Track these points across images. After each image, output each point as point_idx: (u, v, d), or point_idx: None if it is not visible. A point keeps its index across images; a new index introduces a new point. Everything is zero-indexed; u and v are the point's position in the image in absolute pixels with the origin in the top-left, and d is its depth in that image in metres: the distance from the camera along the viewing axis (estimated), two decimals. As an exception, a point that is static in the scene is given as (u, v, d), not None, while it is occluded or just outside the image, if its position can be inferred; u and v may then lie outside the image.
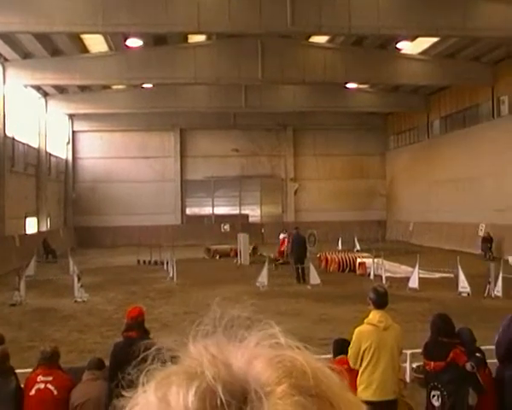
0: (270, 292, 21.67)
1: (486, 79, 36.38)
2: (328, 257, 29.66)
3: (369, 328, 7.10)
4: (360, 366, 7.08)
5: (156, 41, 33.55)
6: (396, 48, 34.24)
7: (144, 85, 40.16)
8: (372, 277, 24.71)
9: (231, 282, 24.53)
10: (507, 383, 7.10)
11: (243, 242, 33.07)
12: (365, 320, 7.24)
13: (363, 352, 7.01)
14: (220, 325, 0.90)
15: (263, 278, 22.72)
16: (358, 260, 27.77)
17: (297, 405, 0.77)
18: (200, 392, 0.77)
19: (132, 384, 0.86)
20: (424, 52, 34.71)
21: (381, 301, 7.16)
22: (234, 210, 52.60)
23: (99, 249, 42.40)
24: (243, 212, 52.51)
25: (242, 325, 0.90)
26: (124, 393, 0.86)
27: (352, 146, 52.60)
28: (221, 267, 30.83)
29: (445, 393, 6.94)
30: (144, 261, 33.16)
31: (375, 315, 7.11)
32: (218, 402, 0.76)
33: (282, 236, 34.28)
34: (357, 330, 7.20)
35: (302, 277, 24.72)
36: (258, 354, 0.83)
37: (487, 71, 36.25)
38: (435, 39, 32.02)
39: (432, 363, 7.19)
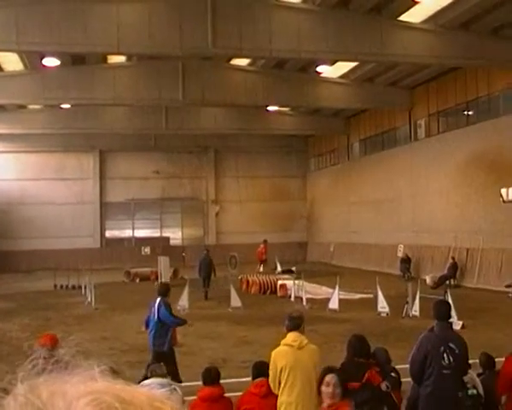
0: (190, 315, 21.21)
1: (404, 103, 37.35)
2: (250, 279, 29.57)
3: (284, 348, 7.26)
4: (279, 388, 7.12)
5: (74, 61, 32.82)
6: (316, 71, 34.67)
7: (62, 106, 39.29)
8: (293, 298, 24.74)
9: (151, 306, 24.04)
10: (421, 402, 7.15)
11: (164, 264, 32.62)
12: (281, 342, 7.40)
13: (280, 372, 7.10)
14: (47, 364, 0.91)
15: (183, 301, 22.43)
16: (279, 282, 27.79)
17: None
18: None
19: None
20: (344, 76, 35.29)
21: (293, 324, 7.37)
22: (155, 233, 51.93)
23: (14, 274, 40.89)
24: (164, 234, 51.92)
25: (66, 365, 0.91)
26: None
27: (273, 168, 52.88)
28: (141, 291, 30.19)
29: (360, 413, 6.90)
30: (61, 286, 32.29)
31: (290, 336, 7.29)
32: None
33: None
34: (273, 352, 7.36)
35: (205, 294, 26.97)
36: (76, 397, 0.82)
37: (405, 95, 37.21)
38: (354, 64, 32.65)
39: (348, 383, 7.15)
